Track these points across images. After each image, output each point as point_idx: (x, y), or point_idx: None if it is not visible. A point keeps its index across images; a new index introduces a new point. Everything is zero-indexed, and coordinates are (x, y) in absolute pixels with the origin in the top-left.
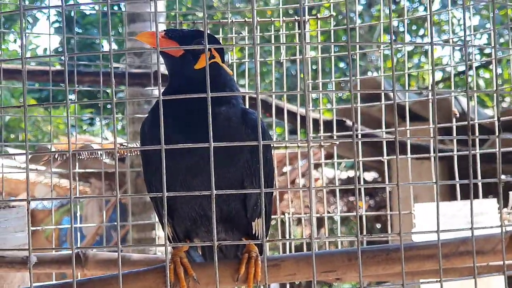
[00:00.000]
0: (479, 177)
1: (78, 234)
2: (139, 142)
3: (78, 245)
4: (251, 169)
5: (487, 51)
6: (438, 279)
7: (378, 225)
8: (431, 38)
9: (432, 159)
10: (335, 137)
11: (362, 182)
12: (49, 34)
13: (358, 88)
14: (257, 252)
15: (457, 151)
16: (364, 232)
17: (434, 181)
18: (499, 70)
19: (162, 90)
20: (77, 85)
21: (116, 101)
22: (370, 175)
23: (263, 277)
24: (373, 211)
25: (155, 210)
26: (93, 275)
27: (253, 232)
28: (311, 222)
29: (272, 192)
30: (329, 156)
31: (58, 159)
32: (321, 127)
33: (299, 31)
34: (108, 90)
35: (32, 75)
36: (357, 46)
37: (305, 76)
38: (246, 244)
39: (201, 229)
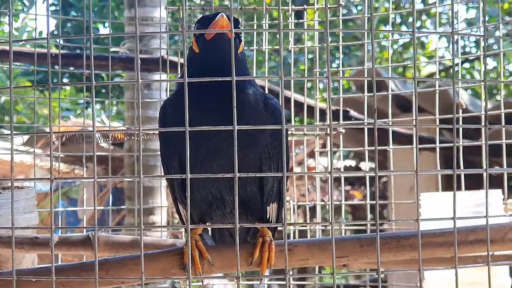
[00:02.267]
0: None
1: (72, 218)
2: (158, 122)
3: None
4: (270, 153)
5: (482, 44)
6: (452, 266)
7: (371, 216)
8: (452, 27)
9: (438, 149)
10: (341, 126)
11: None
12: (62, 17)
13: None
14: (271, 236)
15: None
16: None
17: (438, 169)
18: (494, 63)
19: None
20: (78, 69)
21: (141, 82)
22: (366, 165)
23: (277, 261)
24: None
25: (171, 193)
26: (102, 257)
27: (267, 217)
28: (330, 208)
29: (287, 178)
30: (324, 146)
31: (56, 142)
32: (330, 116)
33: (308, 20)
34: (103, 75)
35: (29, 57)
36: (372, 36)
37: (329, 63)
38: (260, 229)
39: (216, 213)
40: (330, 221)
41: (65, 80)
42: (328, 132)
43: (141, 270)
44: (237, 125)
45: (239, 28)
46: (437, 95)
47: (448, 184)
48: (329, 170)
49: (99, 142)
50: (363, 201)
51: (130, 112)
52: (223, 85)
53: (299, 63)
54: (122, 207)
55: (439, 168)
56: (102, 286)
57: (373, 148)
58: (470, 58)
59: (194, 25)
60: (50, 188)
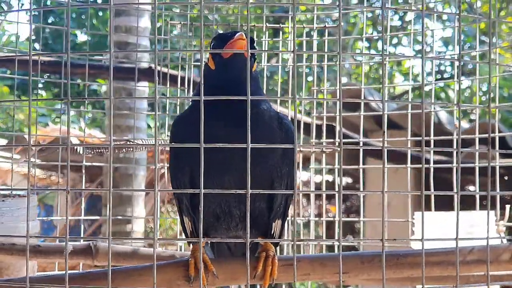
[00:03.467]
0: (477, 188)
1: (46, 225)
2: (170, 137)
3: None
4: (281, 172)
5: (456, 63)
6: (454, 285)
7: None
8: (460, 51)
9: (429, 167)
10: (331, 143)
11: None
12: (70, 29)
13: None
14: (274, 251)
15: (435, 161)
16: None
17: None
18: (468, 82)
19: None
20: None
21: (158, 98)
22: (343, 180)
23: (279, 275)
24: (343, 215)
25: (177, 205)
26: (104, 267)
27: (271, 232)
28: (339, 224)
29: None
30: (306, 159)
31: (33, 148)
32: (340, 135)
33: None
34: (79, 82)
35: (5, 62)
36: (383, 59)
37: (340, 84)
38: (263, 244)
39: (222, 226)
40: (338, 238)
41: (40, 86)
42: (325, 150)
43: (153, 282)
44: (250, 141)
45: (255, 47)
46: (432, 121)
47: (420, 202)
48: (338, 188)
49: (78, 150)
50: (357, 218)
51: (109, 121)
52: (237, 102)
53: (275, 75)
54: (119, 217)
55: (459, 189)
56: None
57: (367, 166)
58: (470, 79)
59: (210, 42)
60: (66, 199)
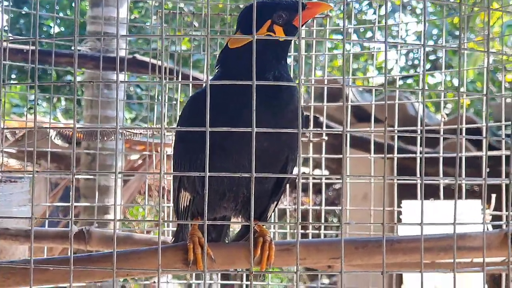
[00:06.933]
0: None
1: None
2: (186, 111)
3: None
4: (295, 153)
5: (431, 57)
6: (451, 270)
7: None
8: (459, 42)
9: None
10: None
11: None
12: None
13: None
14: (271, 236)
15: (405, 151)
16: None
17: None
18: (443, 76)
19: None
20: (51, 66)
21: (165, 83)
22: (320, 172)
23: (276, 259)
24: (318, 207)
25: (177, 185)
26: (97, 251)
27: (267, 214)
28: (341, 211)
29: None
30: None
31: (10, 138)
32: (344, 124)
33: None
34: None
35: None
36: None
37: (344, 71)
38: (259, 229)
39: (222, 206)
40: (340, 221)
41: (13, 76)
42: (311, 138)
43: (158, 263)
44: (281, 124)
45: None
46: (419, 115)
47: (401, 193)
48: (343, 176)
49: (54, 139)
50: (337, 207)
51: (89, 111)
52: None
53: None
54: (107, 204)
55: (457, 176)
56: (108, 277)
57: (353, 155)
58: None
59: (242, 15)
60: (72, 181)
